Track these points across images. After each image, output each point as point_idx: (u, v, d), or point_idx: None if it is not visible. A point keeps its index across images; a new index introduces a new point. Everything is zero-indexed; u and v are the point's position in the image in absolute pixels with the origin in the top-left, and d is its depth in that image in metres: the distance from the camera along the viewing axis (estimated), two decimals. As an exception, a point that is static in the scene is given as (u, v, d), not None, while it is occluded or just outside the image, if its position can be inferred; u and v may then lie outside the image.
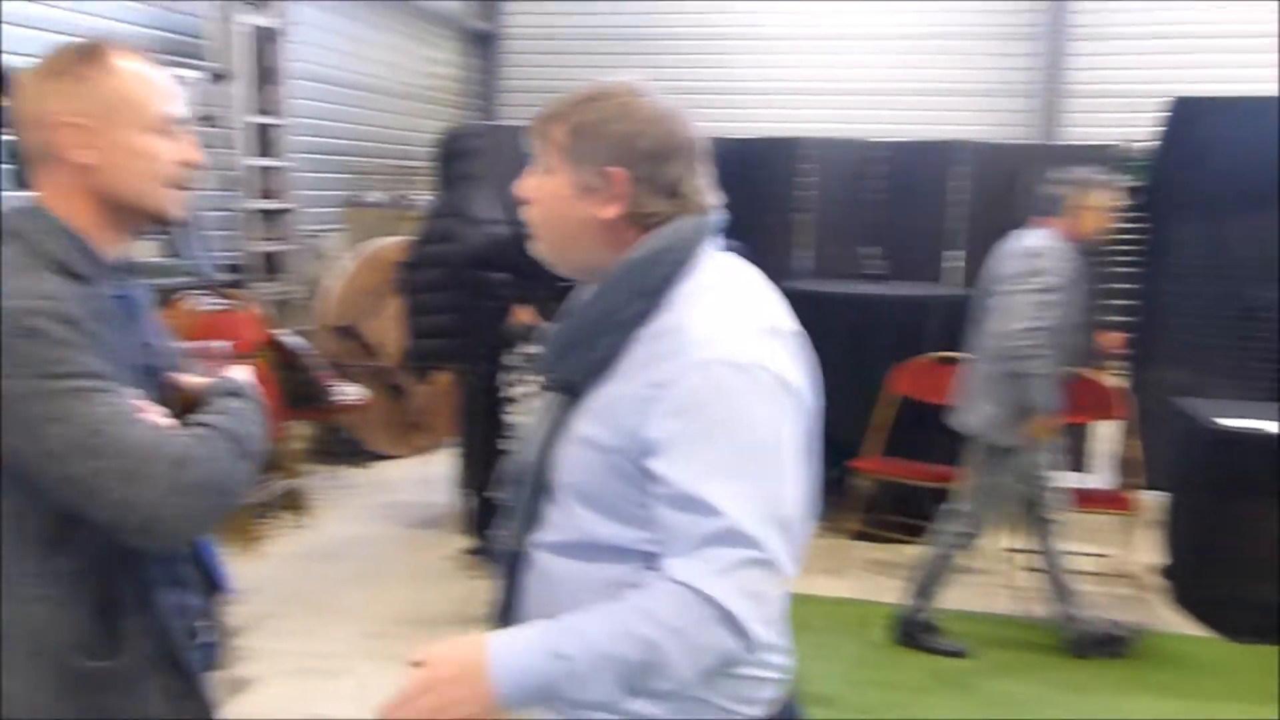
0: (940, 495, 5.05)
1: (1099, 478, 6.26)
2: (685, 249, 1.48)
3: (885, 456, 5.32)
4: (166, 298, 5.07)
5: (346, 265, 6.70)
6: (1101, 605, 4.53)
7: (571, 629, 1.35)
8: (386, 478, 6.29)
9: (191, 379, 1.61)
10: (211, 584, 1.67)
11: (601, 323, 1.46)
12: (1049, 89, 10.98)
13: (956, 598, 4.38)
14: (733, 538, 1.35)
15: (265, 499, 5.43)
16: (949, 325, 5.41)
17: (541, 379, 1.55)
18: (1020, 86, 11.25)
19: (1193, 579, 4.71)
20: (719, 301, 1.45)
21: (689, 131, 1.52)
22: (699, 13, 11.41)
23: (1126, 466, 5.21)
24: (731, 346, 1.39)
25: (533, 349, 4.23)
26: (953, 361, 5.15)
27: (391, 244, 6.48)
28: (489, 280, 4.60)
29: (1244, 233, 5.88)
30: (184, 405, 1.53)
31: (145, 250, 5.51)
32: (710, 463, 1.36)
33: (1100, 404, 4.83)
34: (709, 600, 1.33)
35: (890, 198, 6.37)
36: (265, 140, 7.60)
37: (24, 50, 5.41)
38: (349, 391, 5.99)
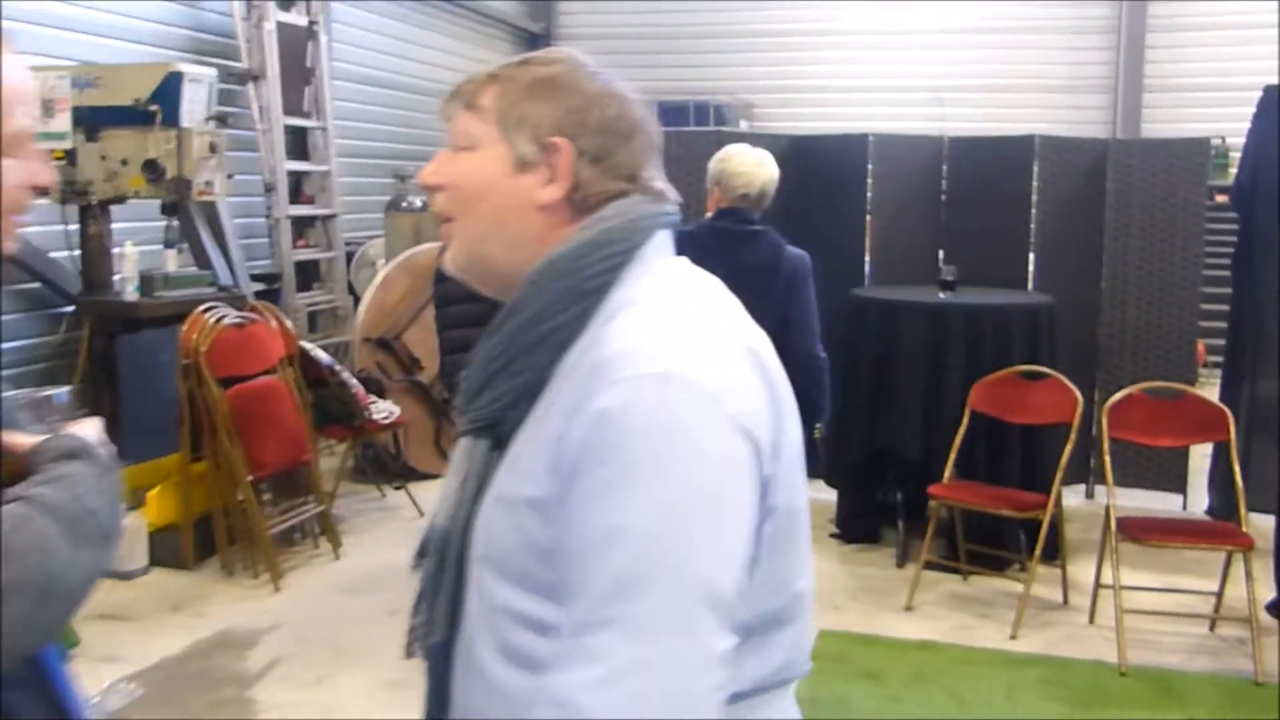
0: (1024, 523, 4.59)
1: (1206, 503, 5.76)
2: (632, 239, 1.13)
3: (963, 480, 4.85)
4: (188, 311, 4.75)
5: (385, 273, 6.37)
6: (1209, 650, 4.05)
7: None
8: (427, 499, 5.93)
9: (18, 438, 1.19)
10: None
11: (521, 338, 1.10)
12: (1127, 83, 10.41)
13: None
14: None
15: (291, 527, 5.09)
16: (1031, 335, 4.95)
17: (461, 421, 1.17)
18: (1098, 82, 10.71)
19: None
20: (667, 312, 1.09)
21: (645, 114, 1.21)
22: (759, 9, 10.99)
23: (1229, 491, 4.68)
24: (673, 364, 1.02)
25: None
26: (1037, 376, 4.68)
27: (431, 250, 6.13)
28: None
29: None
30: (8, 473, 1.14)
31: (168, 260, 5.21)
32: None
33: (1206, 424, 4.32)
34: None
35: (969, 197, 5.90)
36: (305, 143, 7.32)
37: (51, 50, 5.16)
38: (385, 408, 5.65)
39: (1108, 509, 4.16)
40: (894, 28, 10.80)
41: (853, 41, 10.94)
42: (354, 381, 5.51)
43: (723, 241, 3.24)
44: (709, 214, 3.38)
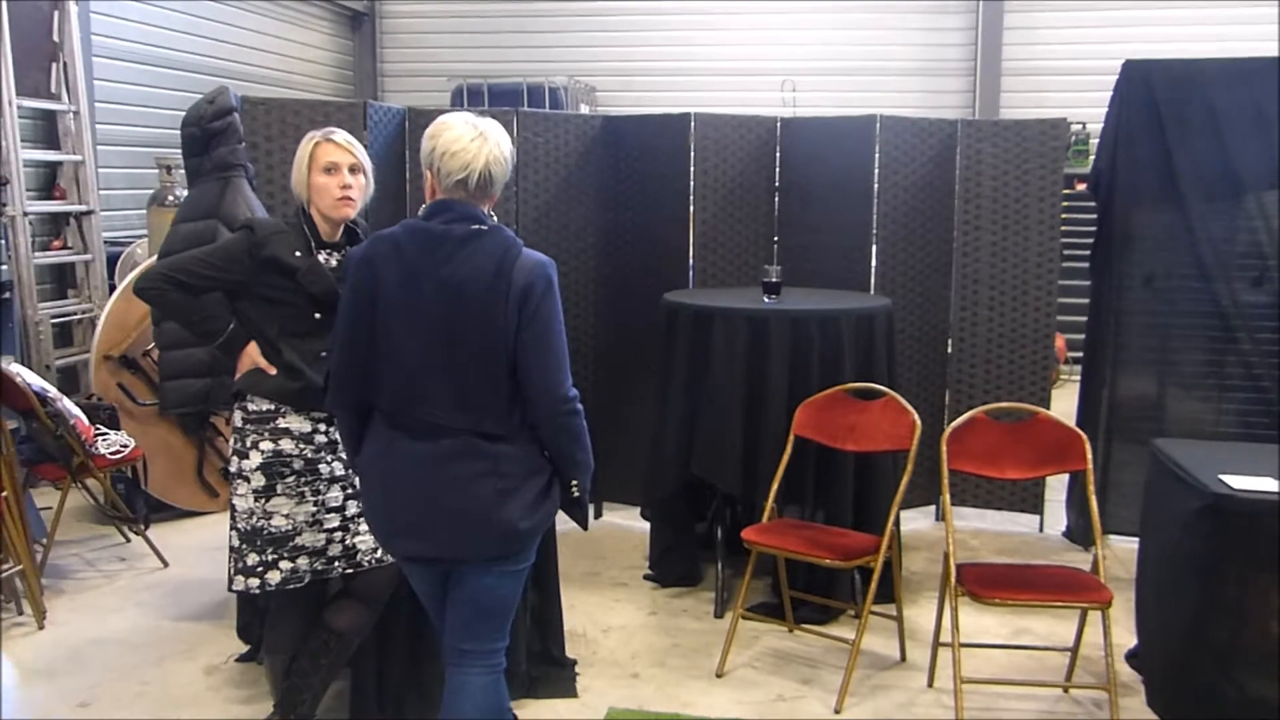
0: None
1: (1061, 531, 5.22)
2: None
3: (787, 517, 4.17)
4: None
5: (129, 281, 5.43)
6: (1063, 716, 3.44)
7: None
8: (171, 544, 4.99)
9: None
10: None
11: None
12: (985, 66, 9.94)
13: None
14: None
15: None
16: (866, 346, 4.28)
17: None
18: (956, 65, 10.22)
19: (1176, 671, 3.60)
20: None
21: None
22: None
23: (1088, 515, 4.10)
24: None
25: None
26: (870, 395, 4.01)
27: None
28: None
29: (1223, 220, 4.82)
30: None
31: None
32: None
33: (1060, 451, 3.68)
34: None
35: (805, 186, 5.21)
36: (55, 129, 6.32)
37: None
38: (117, 440, 4.74)
39: (946, 557, 3.50)
40: (745, 7, 10.16)
41: (702, 22, 10.28)
42: (74, 411, 4.58)
43: (429, 248, 2.47)
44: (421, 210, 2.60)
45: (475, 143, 2.52)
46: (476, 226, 2.52)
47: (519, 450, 2.52)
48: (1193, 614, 3.47)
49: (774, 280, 4.40)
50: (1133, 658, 3.81)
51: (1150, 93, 4.89)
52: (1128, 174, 4.96)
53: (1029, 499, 5.31)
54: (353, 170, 3.06)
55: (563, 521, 2.78)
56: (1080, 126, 9.01)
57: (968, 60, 10.18)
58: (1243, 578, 3.37)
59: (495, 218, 2.61)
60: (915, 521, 5.33)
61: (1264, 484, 3.17)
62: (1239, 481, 3.16)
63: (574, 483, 2.61)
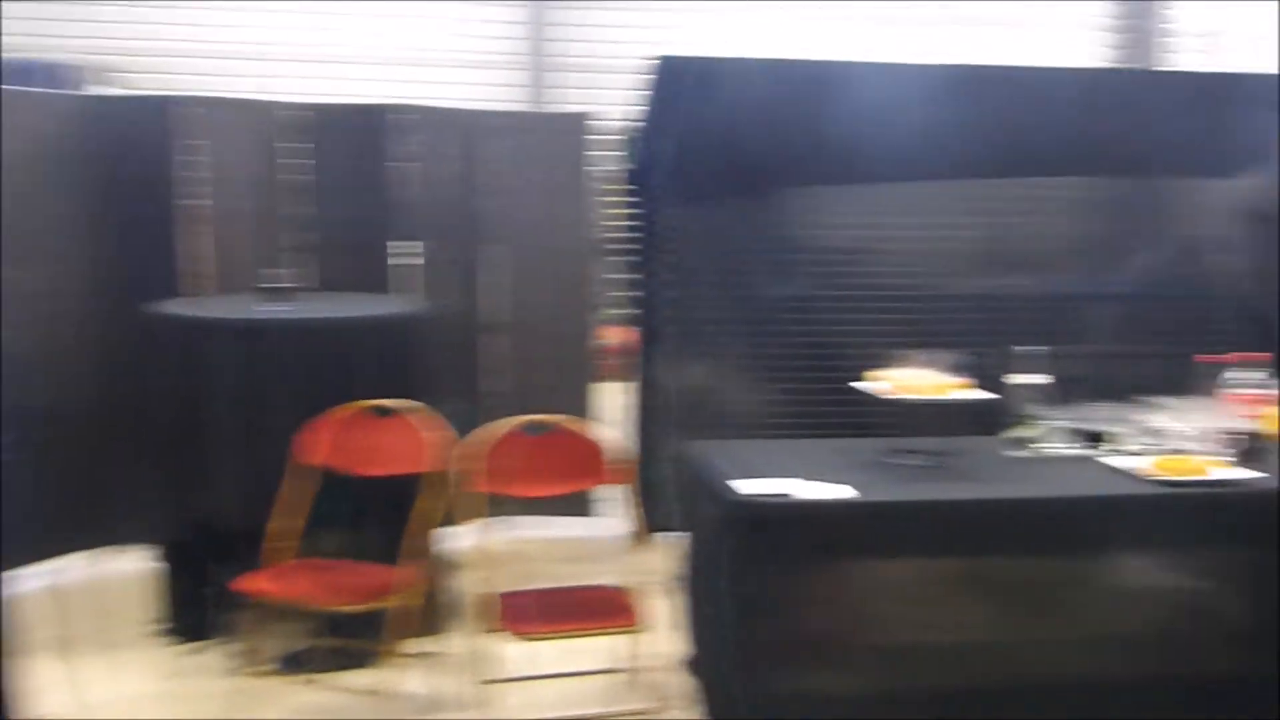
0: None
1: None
2: None
3: (306, 560, 3.67)
4: None
5: None
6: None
7: None
8: None
9: None
10: None
11: None
12: (536, 59, 9.86)
13: None
14: None
15: None
16: (387, 358, 3.86)
17: None
18: (507, 57, 10.07)
19: (724, 675, 3.50)
20: None
21: None
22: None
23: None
24: None
25: None
26: (388, 413, 3.59)
27: None
28: None
29: (756, 217, 4.87)
30: None
31: None
32: None
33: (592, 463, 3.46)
34: None
35: (314, 179, 4.70)
36: None
37: None
38: None
39: (481, 596, 3.16)
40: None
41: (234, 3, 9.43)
42: None
43: None
44: None
45: None
46: None
47: None
48: (730, 616, 3.38)
49: (278, 286, 3.87)
50: (689, 664, 3.68)
51: (685, 89, 4.85)
52: (665, 170, 4.90)
53: (578, 503, 5.14)
54: None
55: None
56: (628, 123, 9.11)
57: (517, 54, 10.07)
58: (767, 577, 3.31)
59: None
60: (484, 532, 5.00)
61: (779, 486, 3.10)
62: (753, 486, 3.07)
63: None
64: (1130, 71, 6.62)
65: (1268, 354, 3.68)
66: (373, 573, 3.43)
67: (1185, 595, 3.44)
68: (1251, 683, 3.40)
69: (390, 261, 4.73)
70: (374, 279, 4.63)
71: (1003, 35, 8.72)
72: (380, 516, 3.76)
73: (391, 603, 3.26)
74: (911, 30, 9.60)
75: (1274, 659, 3.40)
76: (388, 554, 3.72)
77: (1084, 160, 4.60)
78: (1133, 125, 4.55)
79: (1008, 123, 4.46)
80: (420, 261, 4.77)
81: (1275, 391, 3.58)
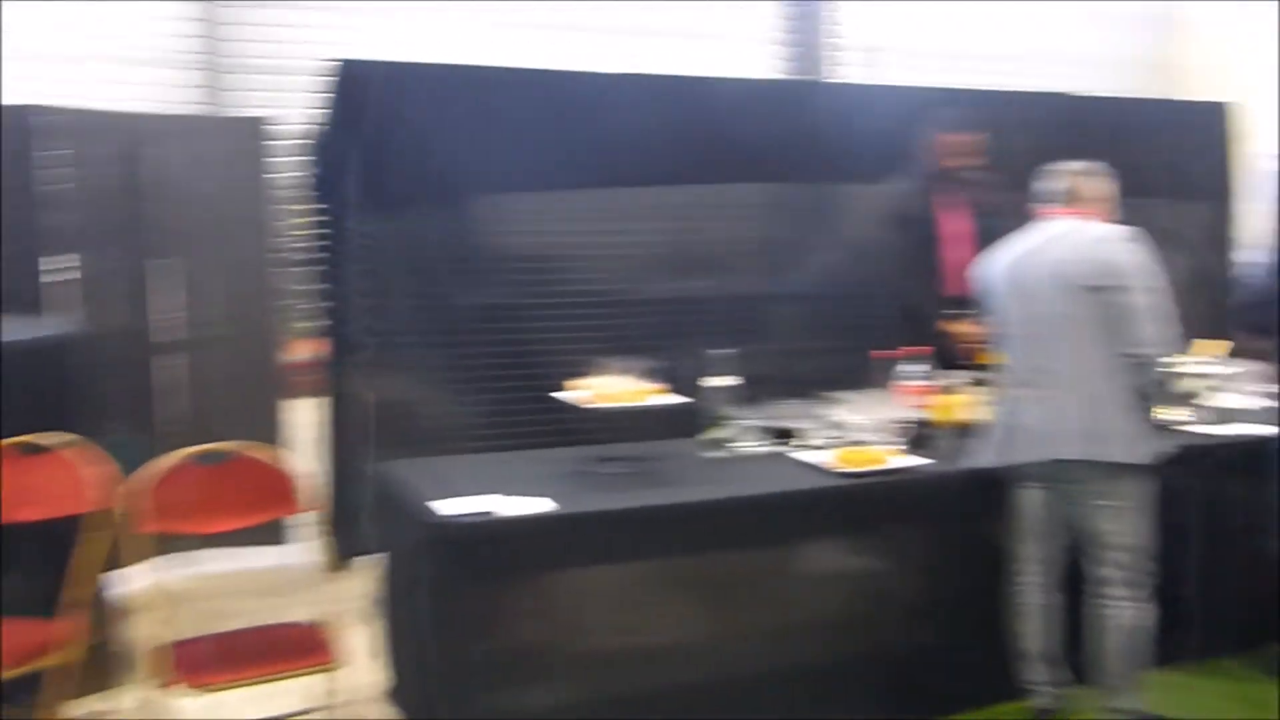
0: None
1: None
2: None
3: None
4: None
5: None
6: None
7: None
8: None
9: None
10: None
11: None
12: (210, 59, 9.29)
13: None
14: None
15: None
16: (38, 389, 3.46)
17: None
18: (183, 56, 9.43)
19: (433, 701, 3.37)
20: None
21: None
22: None
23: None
24: None
25: None
26: (45, 450, 3.22)
27: None
28: None
29: (447, 225, 4.74)
30: None
31: None
32: None
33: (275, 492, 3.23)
34: None
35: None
36: None
37: None
38: None
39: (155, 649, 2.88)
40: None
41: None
42: None
43: None
44: None
45: None
46: None
47: None
48: (432, 638, 3.26)
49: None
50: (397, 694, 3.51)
51: (370, 94, 4.65)
52: (352, 177, 4.69)
53: (270, 531, 4.83)
54: None
55: None
56: (311, 127, 8.73)
57: (190, 52, 9.44)
58: (470, 596, 3.21)
59: None
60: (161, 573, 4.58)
61: (478, 504, 3.02)
62: (452, 506, 2.97)
63: None
64: (801, 82, 6.98)
65: (928, 347, 3.95)
66: (26, 630, 3.06)
67: (872, 578, 3.63)
68: (930, 651, 3.63)
69: (43, 279, 4.27)
70: (24, 299, 4.16)
71: (682, 46, 9.03)
72: (34, 566, 3.37)
73: (50, 661, 2.91)
74: (595, 38, 9.76)
75: (948, 628, 3.66)
76: (44, 607, 3.34)
77: (763, 166, 4.78)
78: (804, 133, 4.77)
79: (693, 131, 4.56)
80: (77, 277, 4.33)
81: (939, 382, 3.84)
